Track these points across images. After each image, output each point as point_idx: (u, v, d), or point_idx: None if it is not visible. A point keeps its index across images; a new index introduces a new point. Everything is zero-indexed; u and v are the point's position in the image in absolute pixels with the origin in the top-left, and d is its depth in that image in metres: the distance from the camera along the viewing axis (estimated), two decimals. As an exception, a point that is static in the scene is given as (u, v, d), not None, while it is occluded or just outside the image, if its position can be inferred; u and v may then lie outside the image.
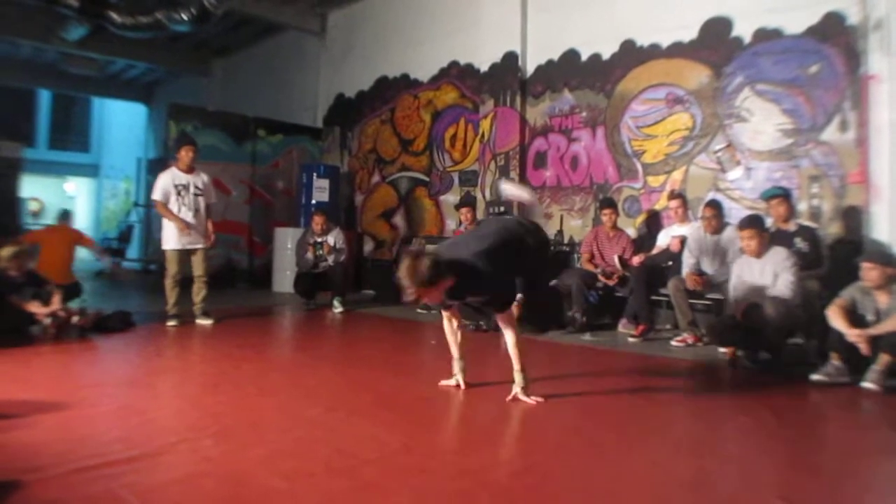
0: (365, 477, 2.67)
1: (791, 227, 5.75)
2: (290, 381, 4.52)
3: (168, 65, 15.80)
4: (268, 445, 3.01)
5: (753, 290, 5.21)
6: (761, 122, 6.65)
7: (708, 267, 6.10)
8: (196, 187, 6.72)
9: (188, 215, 6.64)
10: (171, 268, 6.64)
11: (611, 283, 6.74)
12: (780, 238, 5.51)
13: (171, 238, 6.64)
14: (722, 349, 5.40)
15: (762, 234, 5.31)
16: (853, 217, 6.06)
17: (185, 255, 6.70)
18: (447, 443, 3.16)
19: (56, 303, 5.77)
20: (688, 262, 6.13)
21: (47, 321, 5.63)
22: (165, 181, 6.66)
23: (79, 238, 7.80)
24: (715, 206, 6.21)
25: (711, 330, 5.42)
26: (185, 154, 6.74)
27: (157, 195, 6.66)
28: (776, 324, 4.92)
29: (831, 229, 6.14)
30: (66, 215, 8.54)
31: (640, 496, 2.54)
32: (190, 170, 6.76)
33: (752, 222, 5.39)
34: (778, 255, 5.21)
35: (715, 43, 6.99)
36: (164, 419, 3.47)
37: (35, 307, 5.66)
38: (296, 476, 2.63)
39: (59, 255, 7.40)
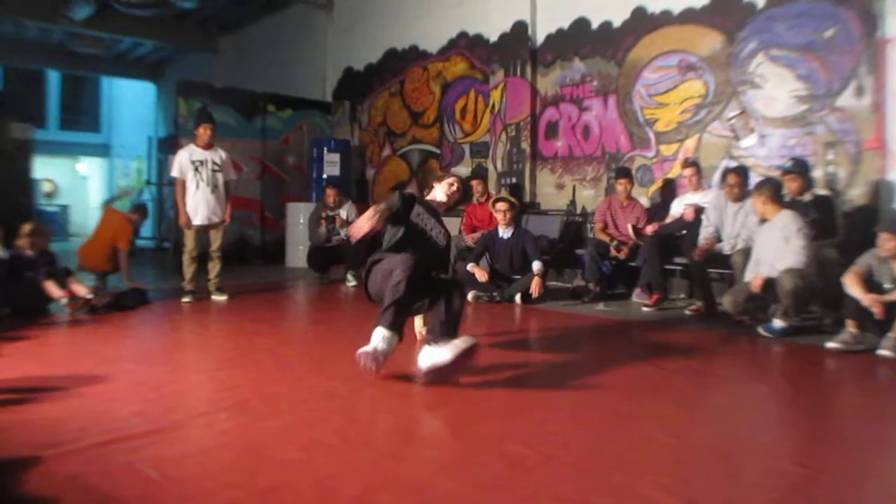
0: (381, 447, 2.68)
1: (806, 197, 5.68)
2: (305, 354, 4.55)
3: (175, 42, 15.73)
4: (284, 417, 3.03)
5: (766, 259, 5.17)
6: (775, 88, 6.55)
7: (725, 236, 6.02)
8: (214, 163, 6.73)
9: (206, 191, 6.65)
10: (189, 243, 6.68)
11: (621, 256, 6.72)
12: (795, 207, 5.45)
13: (193, 213, 6.67)
14: (738, 319, 5.38)
15: (771, 199, 5.27)
16: (870, 184, 5.99)
17: (202, 231, 6.73)
18: (462, 413, 3.17)
19: (70, 283, 5.82)
20: (705, 230, 6.05)
21: (64, 301, 5.68)
22: (182, 157, 6.68)
23: (118, 235, 7.42)
24: (739, 173, 6.05)
25: (729, 300, 5.38)
26: (204, 131, 6.73)
27: (175, 172, 6.70)
28: (793, 295, 4.88)
29: (847, 196, 6.07)
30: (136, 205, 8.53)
31: (656, 464, 2.54)
32: (208, 146, 6.76)
33: (760, 186, 5.41)
34: (786, 218, 5.15)
35: (728, 8, 6.88)
36: (181, 393, 3.50)
37: (51, 287, 5.70)
38: (312, 447, 2.65)
39: (99, 242, 7.28)
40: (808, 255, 5.00)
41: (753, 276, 5.20)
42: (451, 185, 4.44)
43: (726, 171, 6.24)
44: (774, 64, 6.55)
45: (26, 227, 5.94)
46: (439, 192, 4.44)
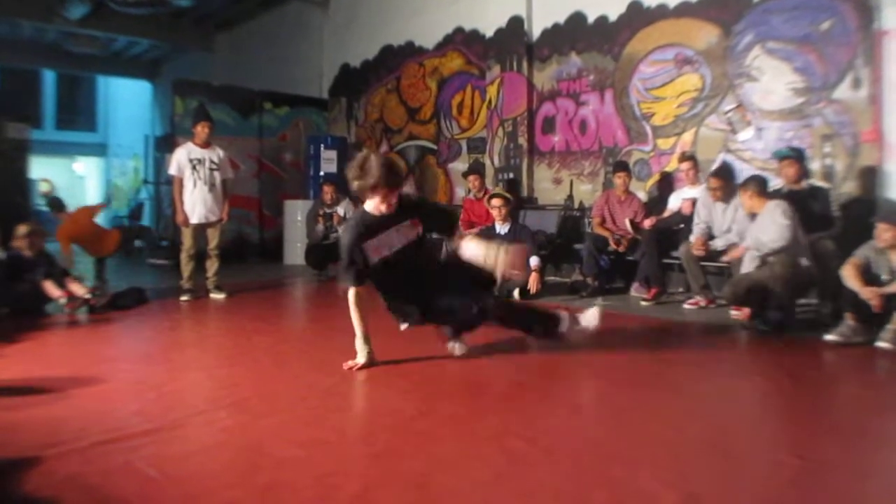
0: (381, 444, 2.68)
1: (803, 187, 5.69)
2: (303, 351, 4.55)
3: (171, 41, 15.70)
4: (283, 415, 3.04)
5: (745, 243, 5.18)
6: (772, 81, 6.54)
7: (718, 231, 6.02)
8: (212, 162, 6.72)
9: (203, 189, 6.64)
10: (186, 241, 6.68)
11: (620, 249, 6.71)
12: (791, 198, 5.45)
13: (191, 212, 6.66)
14: (735, 313, 5.37)
15: (757, 193, 5.27)
16: (867, 176, 5.99)
17: (200, 230, 6.72)
18: (462, 409, 3.17)
19: (68, 283, 5.81)
20: (696, 227, 6.07)
21: (63, 301, 5.67)
22: (180, 156, 6.67)
23: (92, 210, 7.74)
24: (721, 177, 6.01)
25: (728, 292, 5.38)
26: (201, 129, 6.72)
27: (172, 170, 6.68)
28: (784, 280, 4.88)
29: (845, 188, 6.06)
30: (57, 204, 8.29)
31: (657, 457, 2.54)
32: (206, 144, 6.75)
33: (745, 182, 5.42)
34: (770, 205, 5.13)
35: (723, 1, 6.86)
36: (180, 392, 3.50)
37: (49, 287, 5.69)
38: (312, 444, 2.65)
39: (91, 231, 7.48)
40: (791, 233, 4.95)
41: (753, 265, 5.20)
42: (378, 191, 3.73)
43: (710, 174, 6.23)
44: (771, 56, 6.54)
45: (23, 228, 5.93)
46: (371, 205, 3.86)
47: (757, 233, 5.11)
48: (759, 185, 5.33)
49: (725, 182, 5.97)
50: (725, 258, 5.29)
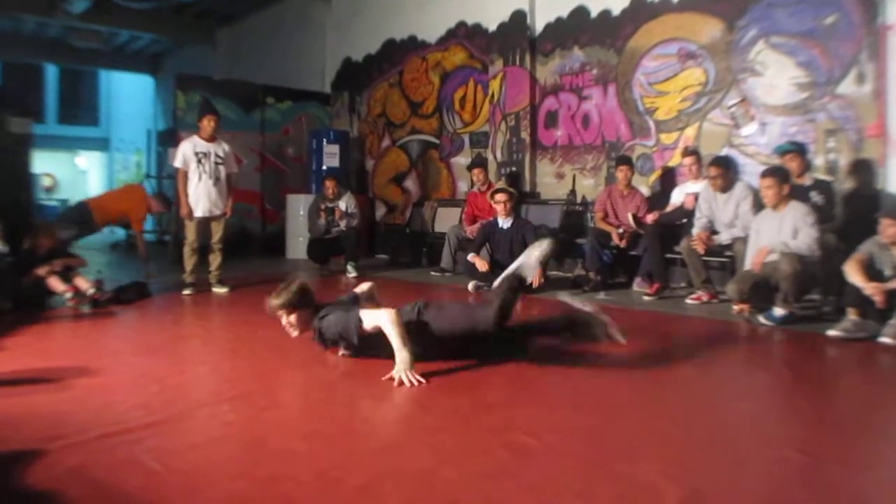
0: (384, 437, 2.69)
1: (806, 181, 5.68)
2: (306, 345, 4.54)
3: (173, 35, 15.70)
4: (286, 409, 3.04)
5: (770, 245, 5.15)
6: (776, 75, 6.52)
7: (720, 226, 6.01)
8: (217, 156, 6.70)
9: (208, 183, 6.63)
10: (190, 235, 6.67)
11: (622, 244, 6.70)
12: (795, 192, 5.44)
13: (195, 205, 6.65)
14: (736, 307, 5.35)
15: (781, 185, 5.24)
16: (870, 171, 5.97)
17: (203, 223, 6.72)
18: (464, 403, 3.17)
19: (74, 278, 5.82)
20: (698, 221, 6.06)
21: (68, 295, 5.67)
22: (186, 149, 6.65)
23: (134, 208, 7.76)
24: (720, 164, 6.04)
25: (733, 288, 5.36)
26: (207, 123, 6.70)
27: (177, 163, 6.66)
28: (792, 279, 4.88)
29: (848, 183, 6.05)
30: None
31: (659, 453, 2.54)
32: (211, 138, 6.74)
33: (773, 172, 5.36)
34: (797, 210, 5.13)
35: (728, -5, 6.85)
36: (183, 385, 3.51)
37: (54, 282, 5.69)
38: (314, 438, 2.65)
39: (113, 204, 7.49)
40: (815, 248, 4.98)
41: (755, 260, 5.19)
42: None
43: (709, 164, 6.23)
44: (775, 51, 6.52)
45: (35, 226, 6.04)
46: None
47: (784, 238, 5.08)
48: (784, 179, 5.30)
49: (725, 170, 5.97)
50: (755, 269, 5.21)
